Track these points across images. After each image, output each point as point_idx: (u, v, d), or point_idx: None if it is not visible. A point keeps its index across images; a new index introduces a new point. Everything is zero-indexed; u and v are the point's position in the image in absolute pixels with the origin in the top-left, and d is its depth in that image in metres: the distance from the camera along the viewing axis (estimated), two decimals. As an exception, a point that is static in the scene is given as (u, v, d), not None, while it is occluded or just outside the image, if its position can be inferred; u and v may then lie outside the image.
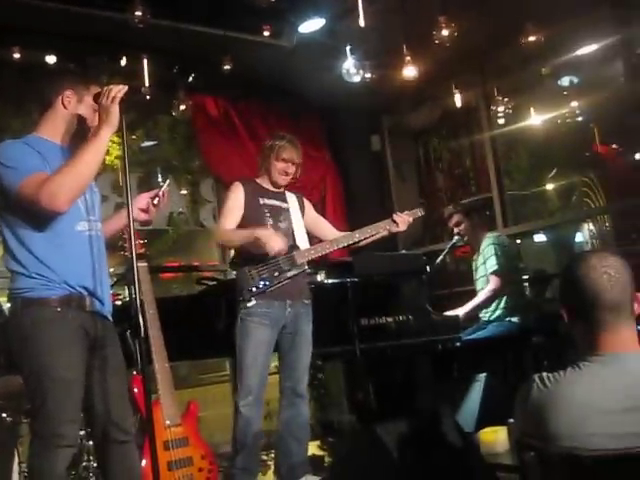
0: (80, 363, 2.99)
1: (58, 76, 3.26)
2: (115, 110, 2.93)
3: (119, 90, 2.96)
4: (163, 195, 3.42)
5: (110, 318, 3.20)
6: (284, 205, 4.47)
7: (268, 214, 4.36)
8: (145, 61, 5.84)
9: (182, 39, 5.64)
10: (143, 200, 3.39)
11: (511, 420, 3.46)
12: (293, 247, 4.32)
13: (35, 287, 2.95)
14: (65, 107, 3.09)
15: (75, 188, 2.91)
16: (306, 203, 4.67)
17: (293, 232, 4.41)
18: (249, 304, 4.13)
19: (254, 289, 4.15)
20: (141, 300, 2.93)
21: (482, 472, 3.18)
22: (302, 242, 4.43)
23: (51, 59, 5.48)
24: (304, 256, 4.31)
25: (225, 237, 4.38)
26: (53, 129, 3.10)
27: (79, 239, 3.07)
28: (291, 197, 4.56)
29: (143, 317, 2.90)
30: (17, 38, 5.43)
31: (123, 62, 5.84)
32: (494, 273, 5.38)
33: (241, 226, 4.34)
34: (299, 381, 4.34)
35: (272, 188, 4.46)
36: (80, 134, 3.11)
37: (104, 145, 2.95)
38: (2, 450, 3.77)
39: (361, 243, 4.54)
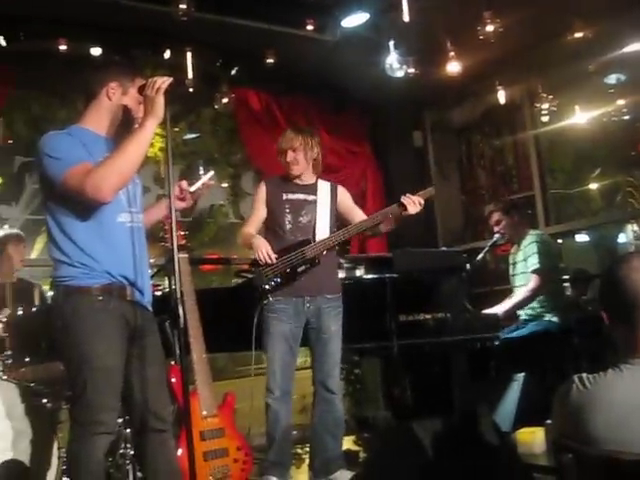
0: (120, 352, 3.02)
1: (103, 68, 3.27)
2: (160, 101, 2.94)
3: (164, 81, 2.96)
4: (203, 185, 3.44)
5: (150, 308, 3.23)
6: (310, 197, 4.43)
7: (288, 210, 4.37)
8: (189, 54, 5.88)
9: (225, 32, 5.67)
10: (179, 189, 3.43)
11: (549, 421, 3.43)
12: (306, 242, 4.30)
13: (77, 276, 2.98)
14: (109, 99, 3.10)
15: (120, 179, 2.92)
16: (340, 192, 4.59)
17: (314, 226, 4.39)
18: (265, 302, 4.20)
19: (267, 287, 4.20)
20: (181, 291, 2.94)
21: (519, 473, 3.15)
22: (322, 235, 4.39)
23: (96, 51, 5.53)
24: (315, 250, 4.28)
25: (241, 239, 4.44)
26: (97, 120, 3.12)
27: (120, 230, 3.09)
28: (323, 187, 4.52)
29: (182, 308, 2.92)
30: (62, 30, 5.49)
31: (167, 55, 5.88)
32: (535, 272, 5.30)
33: (268, 223, 4.42)
34: (328, 376, 4.34)
35: (299, 182, 4.45)
36: (125, 125, 3.13)
37: (149, 136, 2.96)
38: (42, 435, 3.82)
39: (378, 230, 4.49)
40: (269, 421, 4.22)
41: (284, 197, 4.39)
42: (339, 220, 4.51)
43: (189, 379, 3.76)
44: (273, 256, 4.18)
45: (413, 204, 4.33)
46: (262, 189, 4.45)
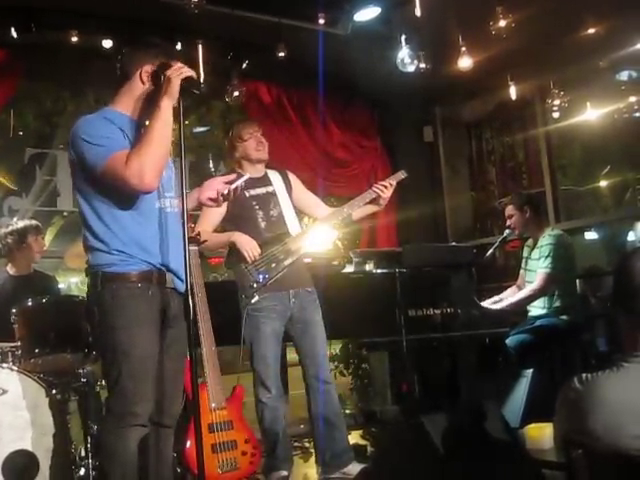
0: (156, 340, 2.97)
1: (142, 49, 3.12)
2: (177, 84, 2.89)
3: (188, 70, 2.94)
4: (236, 190, 3.38)
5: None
6: (270, 189, 4.41)
7: (257, 206, 4.33)
8: (200, 47, 5.87)
9: (237, 25, 5.66)
10: (214, 188, 3.35)
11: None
12: (284, 235, 4.28)
13: (116, 262, 2.93)
14: (143, 82, 3.03)
15: (158, 162, 2.86)
16: (292, 179, 4.57)
17: (284, 218, 4.36)
18: (253, 300, 4.13)
19: (255, 284, 4.14)
20: (191, 283, 2.92)
21: (527, 468, 3.14)
22: (293, 226, 4.38)
23: (107, 43, 5.53)
24: (297, 241, 4.27)
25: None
26: (129, 103, 3.05)
27: (158, 215, 3.04)
28: (274, 176, 4.49)
29: (192, 300, 2.90)
30: (73, 22, 5.49)
31: (178, 47, 5.87)
32: (545, 274, 5.24)
33: (232, 221, 4.33)
34: (320, 368, 4.33)
35: (255, 175, 4.38)
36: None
37: (170, 115, 2.90)
38: (51, 427, 3.82)
39: (349, 218, 4.45)
40: (268, 420, 4.20)
41: (247, 194, 4.30)
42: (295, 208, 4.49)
43: (198, 372, 3.77)
44: (258, 252, 4.16)
45: (384, 188, 4.31)
46: None
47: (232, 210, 4.28)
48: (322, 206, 4.61)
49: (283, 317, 4.25)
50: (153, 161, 2.83)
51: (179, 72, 2.91)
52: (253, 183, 4.32)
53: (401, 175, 4.49)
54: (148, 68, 3.02)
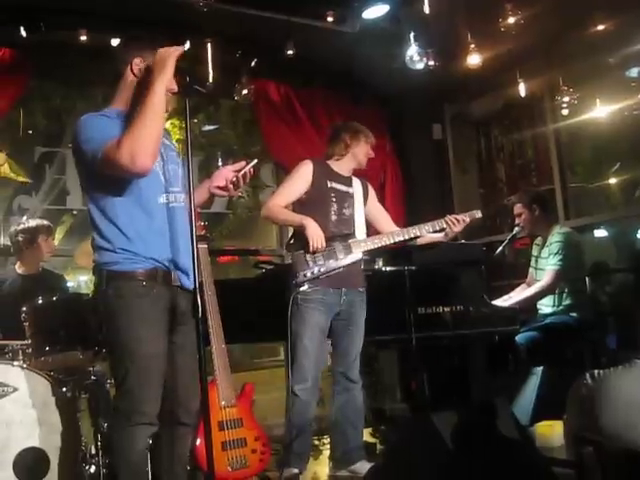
0: (163, 339, 2.97)
1: (124, 45, 3.16)
2: (171, 63, 2.86)
3: (178, 49, 2.91)
4: (245, 176, 3.35)
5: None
6: (350, 190, 4.45)
7: (334, 198, 4.34)
8: (209, 45, 5.87)
9: (245, 24, 5.65)
10: (223, 177, 3.33)
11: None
12: (349, 236, 4.31)
13: (120, 261, 2.94)
14: (135, 75, 3.02)
15: (151, 143, 2.82)
16: (370, 191, 4.65)
17: (354, 220, 4.40)
18: (302, 288, 4.13)
19: (309, 274, 4.15)
20: (200, 281, 2.92)
21: (537, 466, 3.13)
22: (360, 230, 4.42)
23: (116, 42, 5.53)
24: (360, 246, 4.30)
25: (273, 212, 4.31)
26: (125, 99, 3.04)
27: (162, 211, 3.03)
28: (356, 183, 4.54)
29: (202, 298, 2.89)
30: (82, 21, 5.50)
31: (187, 46, 5.87)
32: (554, 271, 5.24)
33: (305, 205, 4.32)
34: (351, 367, 4.36)
35: (342, 172, 4.45)
36: None
37: (161, 96, 2.86)
38: (61, 424, 3.83)
39: (418, 242, 4.57)
40: (297, 412, 4.15)
41: (329, 184, 4.35)
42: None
43: (208, 369, 3.77)
44: (323, 246, 4.14)
45: (457, 221, 4.45)
46: (309, 168, 4.35)
47: (310, 193, 4.32)
48: (390, 223, 4.69)
49: (331, 312, 4.25)
50: (145, 142, 2.79)
51: (171, 51, 2.89)
52: (338, 178, 4.41)
53: (476, 214, 4.66)
54: (137, 61, 3.01)
